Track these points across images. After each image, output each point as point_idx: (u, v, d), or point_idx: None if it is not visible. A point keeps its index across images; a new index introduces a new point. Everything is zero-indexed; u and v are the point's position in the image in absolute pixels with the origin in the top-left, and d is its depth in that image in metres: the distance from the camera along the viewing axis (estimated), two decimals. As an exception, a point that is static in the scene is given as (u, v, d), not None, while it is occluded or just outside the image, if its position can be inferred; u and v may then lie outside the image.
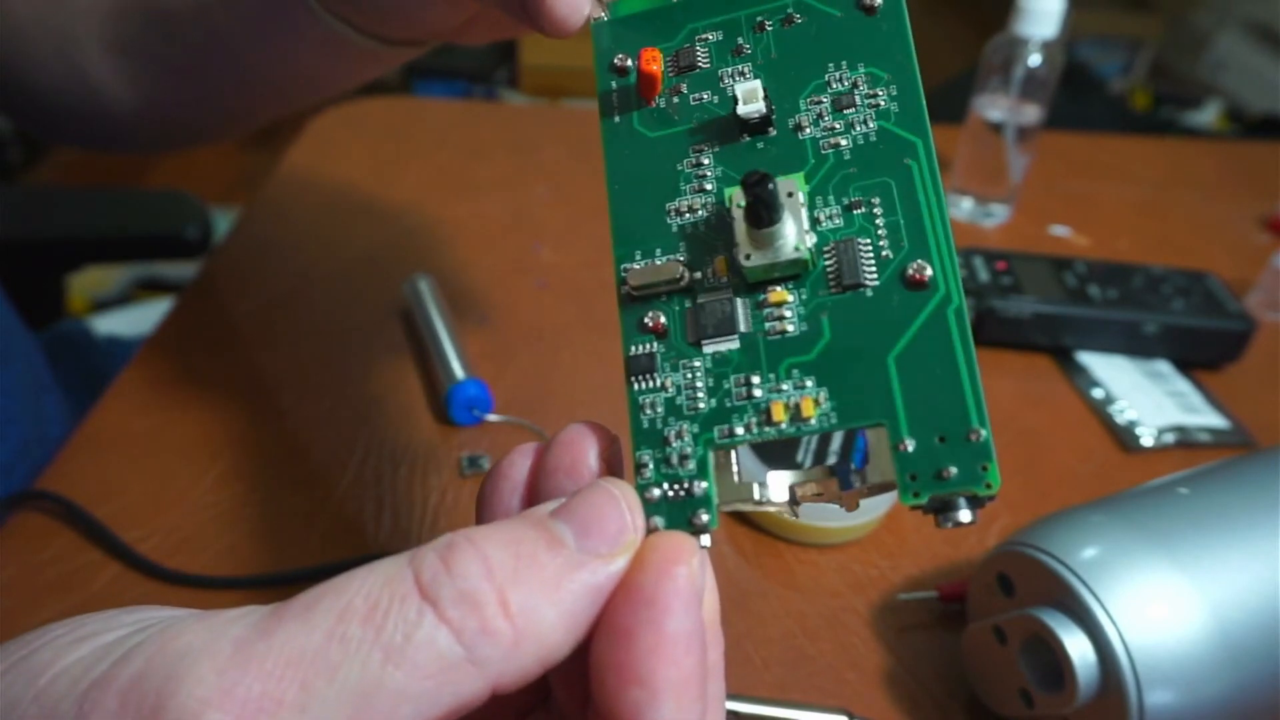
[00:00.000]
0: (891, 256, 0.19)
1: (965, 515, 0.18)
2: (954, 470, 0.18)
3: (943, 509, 0.18)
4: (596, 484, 0.18)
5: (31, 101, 0.44)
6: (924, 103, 0.21)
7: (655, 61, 0.22)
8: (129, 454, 0.43)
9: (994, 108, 0.63)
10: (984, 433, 0.18)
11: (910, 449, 0.18)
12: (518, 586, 0.16)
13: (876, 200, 0.20)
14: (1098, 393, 0.51)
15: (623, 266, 0.21)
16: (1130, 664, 0.28)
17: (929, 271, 0.19)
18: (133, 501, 0.40)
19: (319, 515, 0.41)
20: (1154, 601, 0.29)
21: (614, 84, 0.23)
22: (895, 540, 0.41)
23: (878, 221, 0.20)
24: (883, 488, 0.18)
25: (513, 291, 0.56)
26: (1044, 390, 0.51)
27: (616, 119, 0.23)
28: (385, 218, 0.63)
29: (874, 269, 0.20)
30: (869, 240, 0.20)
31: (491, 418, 0.46)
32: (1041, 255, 0.56)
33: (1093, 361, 0.53)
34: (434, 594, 0.15)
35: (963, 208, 0.67)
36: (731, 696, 0.33)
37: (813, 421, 0.19)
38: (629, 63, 0.23)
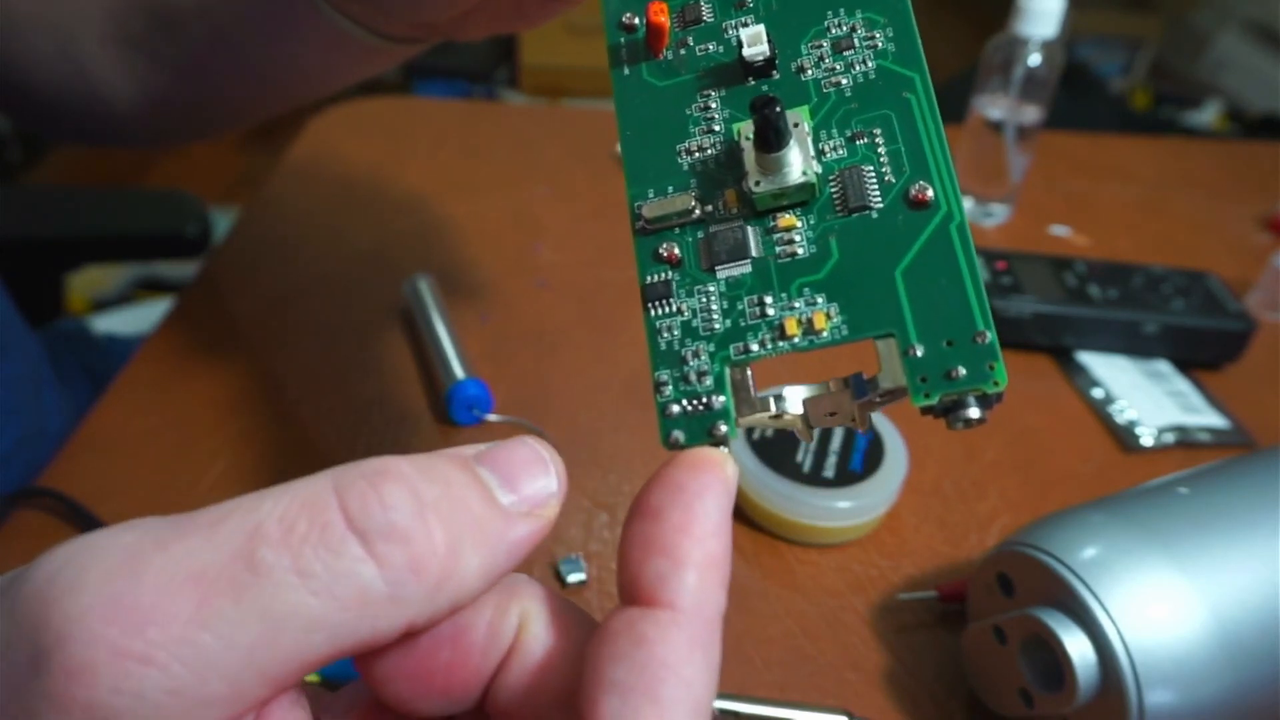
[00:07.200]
0: (894, 181, 0.20)
1: (975, 412, 0.18)
2: (963, 370, 0.18)
3: (953, 408, 0.18)
4: (520, 440, 0.18)
5: (30, 98, 0.44)
6: (919, 41, 0.22)
7: (662, 13, 0.23)
8: (129, 454, 0.43)
9: (994, 108, 0.63)
10: (990, 335, 0.18)
11: (920, 354, 0.19)
12: (448, 527, 0.15)
13: (878, 131, 0.21)
14: (1098, 393, 0.51)
15: (636, 204, 0.22)
16: (1130, 664, 0.28)
17: (930, 192, 0.20)
18: (133, 501, 0.40)
19: (319, 515, 0.41)
20: (1154, 601, 0.29)
21: (622, 39, 0.24)
22: (895, 540, 0.41)
23: (880, 150, 0.21)
24: (894, 394, 0.19)
25: (513, 291, 0.56)
26: (1044, 390, 0.51)
27: (626, 71, 0.24)
28: (385, 218, 0.63)
29: (878, 192, 0.20)
30: (872, 167, 0.21)
31: (491, 418, 0.46)
32: (1041, 255, 0.56)
33: (1093, 361, 0.53)
34: (362, 524, 0.15)
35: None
36: (731, 696, 0.33)
37: (825, 334, 0.20)
38: (636, 20, 0.24)
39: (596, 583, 0.38)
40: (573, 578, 0.38)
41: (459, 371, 0.46)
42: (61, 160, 2.10)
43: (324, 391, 0.48)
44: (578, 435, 0.45)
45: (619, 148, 0.23)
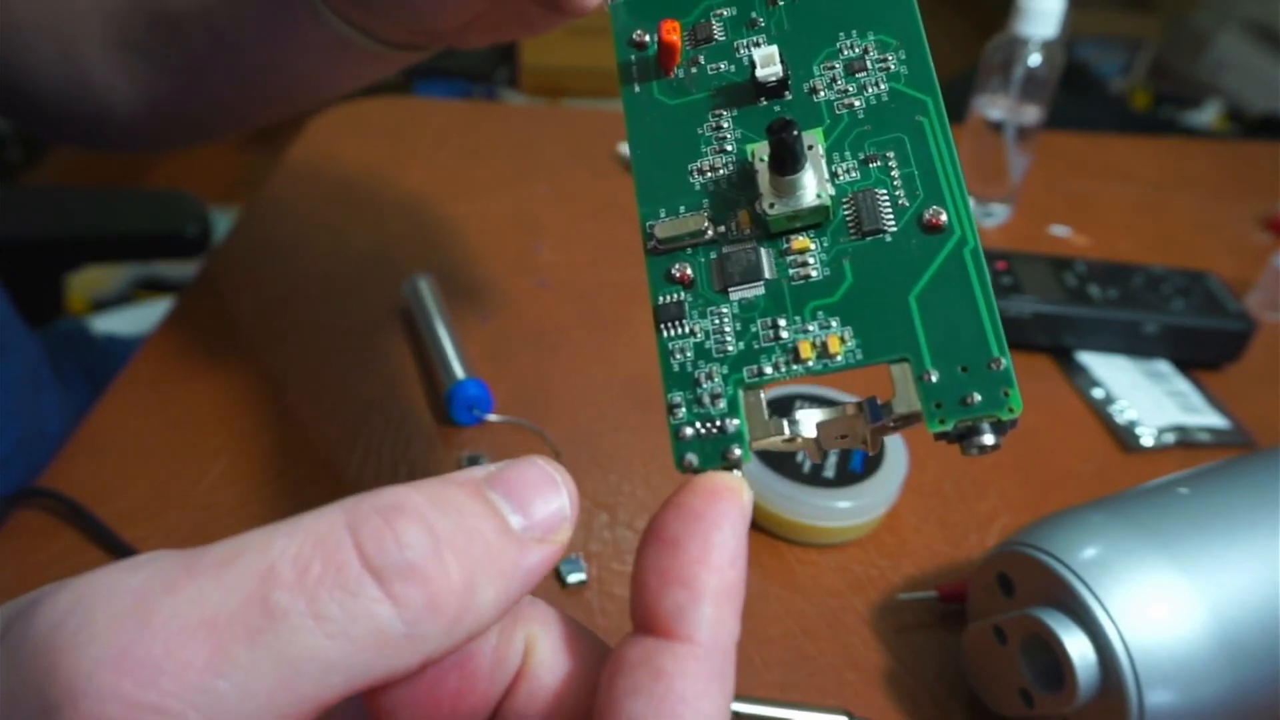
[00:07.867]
0: (908, 205, 0.20)
1: (989, 439, 0.18)
2: (978, 397, 0.18)
3: (968, 434, 0.18)
4: (531, 460, 0.17)
5: (32, 102, 0.44)
6: (931, 64, 0.22)
7: (675, 31, 0.23)
8: (129, 454, 0.43)
9: (994, 108, 0.63)
10: (1005, 361, 0.18)
11: (934, 379, 0.19)
12: (463, 562, 0.15)
13: (891, 154, 0.21)
14: (1098, 393, 0.51)
15: (648, 224, 0.22)
16: (1130, 664, 0.28)
17: (944, 216, 0.20)
18: (133, 501, 0.40)
19: (319, 515, 0.41)
20: (1154, 601, 0.29)
21: (633, 56, 0.24)
22: (895, 540, 0.41)
23: (893, 174, 0.21)
24: (909, 419, 0.19)
25: (513, 291, 0.56)
26: (1044, 390, 0.51)
27: (636, 88, 0.24)
28: (385, 218, 0.63)
29: (891, 216, 0.20)
30: (886, 191, 0.21)
31: (491, 418, 0.46)
32: (1041, 255, 0.56)
33: (1093, 361, 0.53)
34: (378, 564, 0.14)
35: (963, 208, 0.67)
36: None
37: (839, 358, 0.19)
38: (647, 38, 0.24)
39: (596, 583, 0.38)
40: (573, 578, 0.38)
41: (459, 371, 0.46)
42: (61, 160, 2.10)
43: (324, 391, 0.48)
44: (578, 435, 0.45)
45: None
